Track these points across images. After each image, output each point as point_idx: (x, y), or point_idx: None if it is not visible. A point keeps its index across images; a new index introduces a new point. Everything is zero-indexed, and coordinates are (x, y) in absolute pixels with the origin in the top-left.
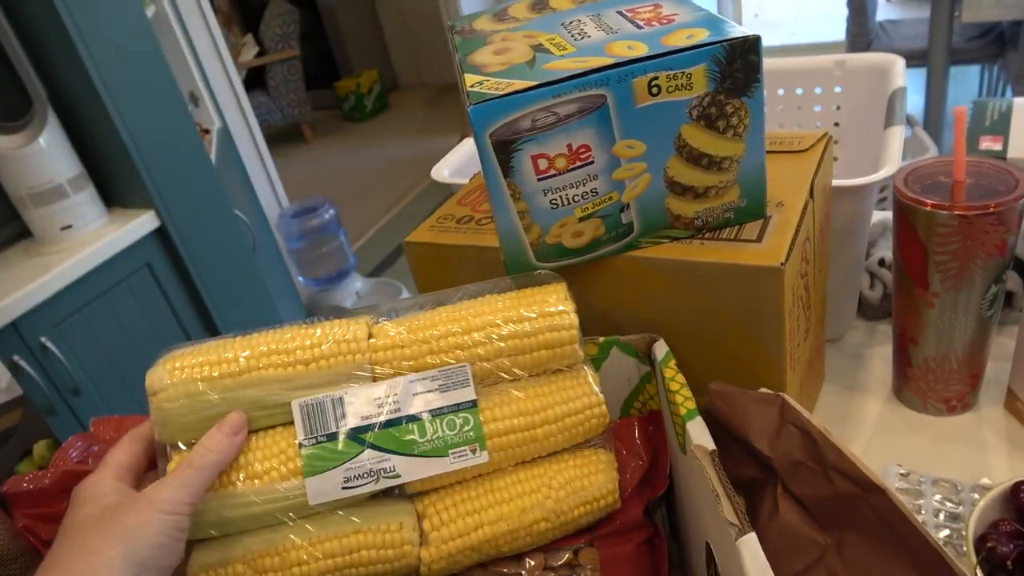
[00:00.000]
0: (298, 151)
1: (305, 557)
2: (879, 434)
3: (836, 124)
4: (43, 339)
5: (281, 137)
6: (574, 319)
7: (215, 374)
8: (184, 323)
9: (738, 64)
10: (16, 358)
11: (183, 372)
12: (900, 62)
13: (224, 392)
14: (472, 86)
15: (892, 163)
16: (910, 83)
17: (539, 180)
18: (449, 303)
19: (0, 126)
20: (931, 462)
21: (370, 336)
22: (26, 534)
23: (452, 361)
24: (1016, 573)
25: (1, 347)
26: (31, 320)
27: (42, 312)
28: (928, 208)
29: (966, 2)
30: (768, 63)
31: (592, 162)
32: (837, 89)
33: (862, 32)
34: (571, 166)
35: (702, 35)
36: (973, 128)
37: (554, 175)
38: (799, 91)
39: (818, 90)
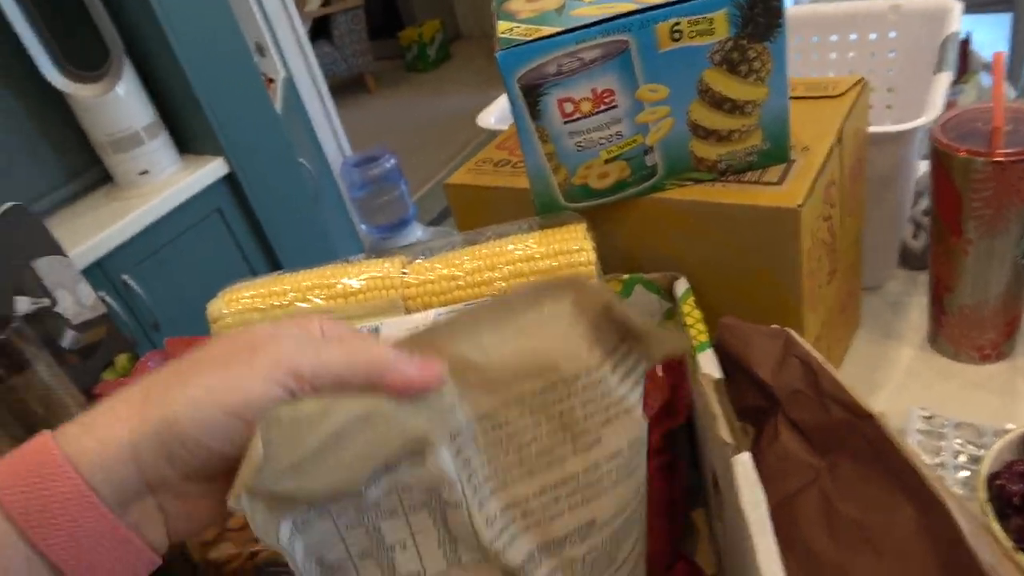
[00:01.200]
0: (361, 101)
1: None
2: (909, 380)
3: (891, 71)
4: (125, 277)
5: (345, 87)
6: (591, 256)
7: (264, 305)
8: (252, 265)
9: (759, 9)
10: (101, 294)
11: (239, 303)
12: (957, 7)
13: (274, 321)
14: (503, 32)
15: (933, 110)
16: (996, 30)
17: (565, 123)
18: (479, 242)
19: (82, 75)
20: (959, 408)
21: (404, 273)
22: None
23: (477, 296)
24: (1023, 510)
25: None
26: (113, 259)
27: (123, 252)
28: (962, 155)
29: None
30: (818, 8)
31: (616, 106)
32: (891, 34)
33: None
34: (596, 110)
35: None
36: None
37: (579, 118)
38: (852, 37)
39: (872, 36)
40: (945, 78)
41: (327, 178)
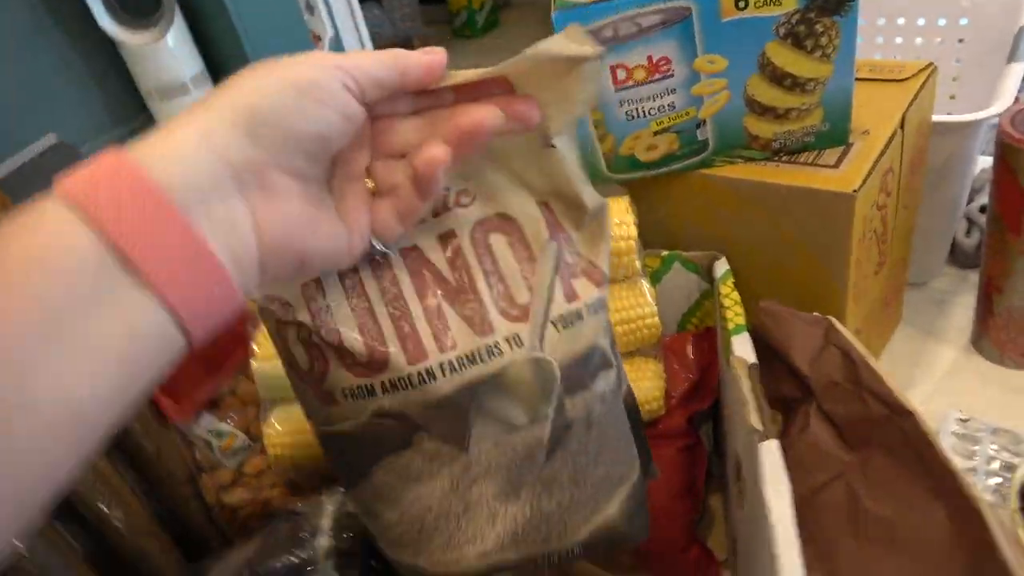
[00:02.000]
0: None
1: None
2: (949, 381)
3: (958, 61)
4: None
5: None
6: (633, 231)
7: None
8: None
9: None
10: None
11: None
12: None
13: None
14: None
15: (1003, 101)
16: None
17: (616, 91)
18: None
19: (133, 23)
20: (998, 413)
21: None
22: None
23: None
24: None
25: None
26: None
27: None
28: None
29: None
30: None
31: (672, 75)
32: (963, 21)
33: None
34: (650, 78)
35: None
36: None
37: (632, 86)
38: (920, 22)
39: (941, 22)
40: (1018, 69)
41: None
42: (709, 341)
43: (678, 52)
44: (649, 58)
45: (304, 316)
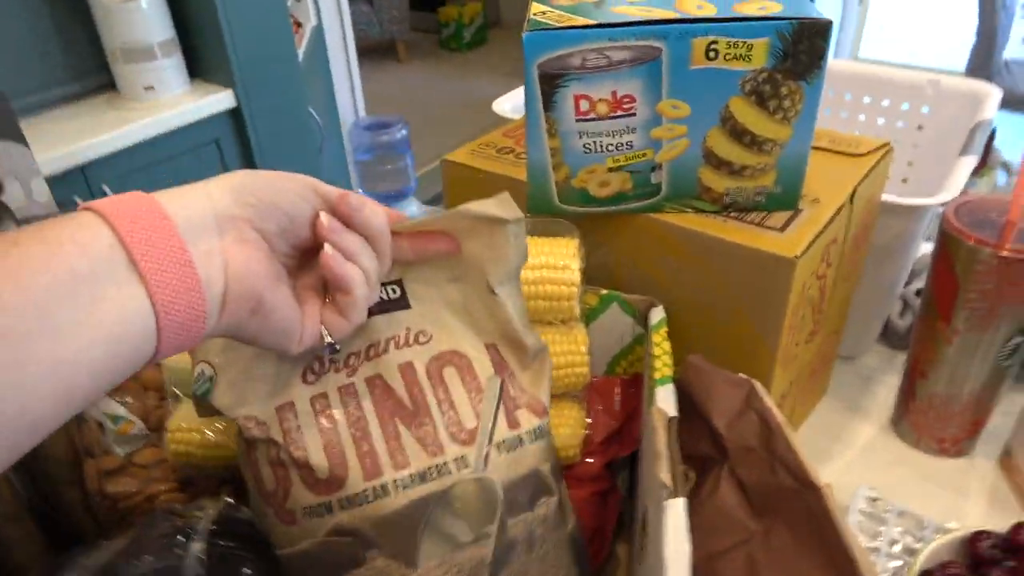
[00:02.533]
0: (388, 68)
1: None
2: (864, 457)
3: (915, 146)
4: (104, 187)
5: (375, 51)
6: (576, 276)
7: None
8: None
9: (803, 45)
10: (76, 198)
11: None
12: (996, 93)
13: None
14: (535, 14)
15: (950, 191)
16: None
17: (577, 121)
18: None
19: None
20: (907, 496)
21: None
22: None
23: None
24: None
25: (66, 185)
26: (98, 167)
27: (111, 162)
28: (971, 242)
29: None
30: (862, 67)
31: (634, 114)
32: (924, 109)
33: (985, 66)
34: (612, 113)
35: (775, 9)
36: None
37: (593, 119)
38: (885, 103)
39: (904, 106)
40: (970, 162)
41: (335, 137)
42: (636, 387)
43: (643, 92)
44: (614, 93)
45: (277, 434)
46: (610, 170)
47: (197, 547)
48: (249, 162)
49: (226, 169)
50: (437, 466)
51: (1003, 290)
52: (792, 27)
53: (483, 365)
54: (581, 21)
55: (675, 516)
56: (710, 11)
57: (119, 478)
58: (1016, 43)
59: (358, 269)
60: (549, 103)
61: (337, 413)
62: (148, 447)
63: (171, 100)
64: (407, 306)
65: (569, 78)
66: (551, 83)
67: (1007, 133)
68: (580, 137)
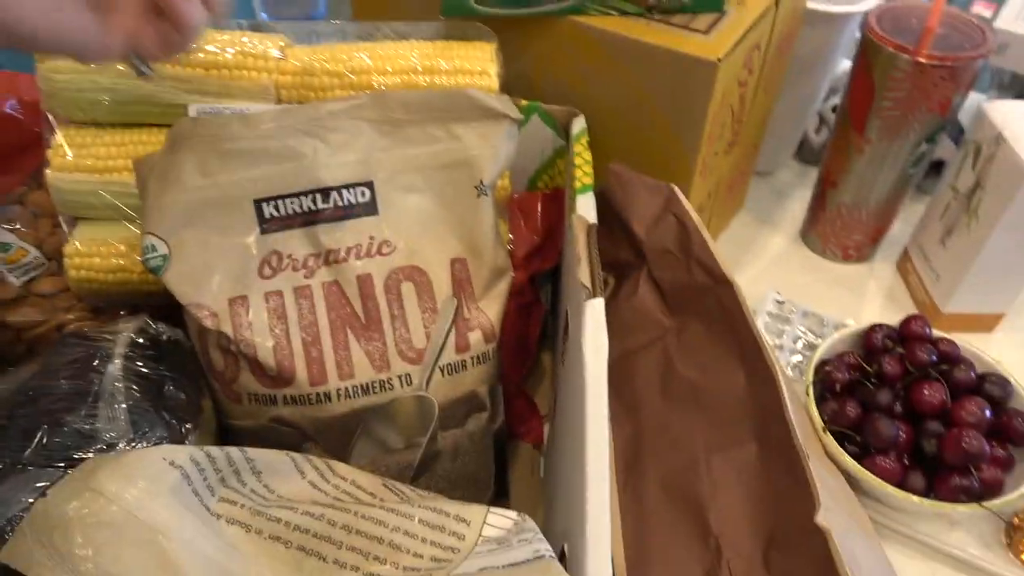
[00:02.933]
0: None
1: None
2: (774, 267)
3: None
4: None
5: None
6: (494, 83)
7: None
8: None
9: None
10: None
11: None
12: None
13: (117, 78)
14: None
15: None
16: None
17: None
18: (374, 38)
19: None
20: (812, 299)
21: (280, 57)
22: None
23: None
24: (842, 396)
25: None
26: None
27: None
28: (890, 48)
29: None
30: None
31: None
32: None
33: None
34: None
35: None
36: None
37: None
38: None
39: None
40: None
41: None
42: (558, 202)
43: None
44: None
45: (228, 328)
46: None
47: (115, 367)
48: None
49: None
50: (382, 381)
51: (914, 97)
52: None
53: (442, 284)
54: None
55: (594, 315)
56: None
57: (19, 308)
58: None
59: None
60: None
61: (291, 313)
62: (47, 276)
63: None
64: (375, 211)
65: None
66: None
67: None
68: None
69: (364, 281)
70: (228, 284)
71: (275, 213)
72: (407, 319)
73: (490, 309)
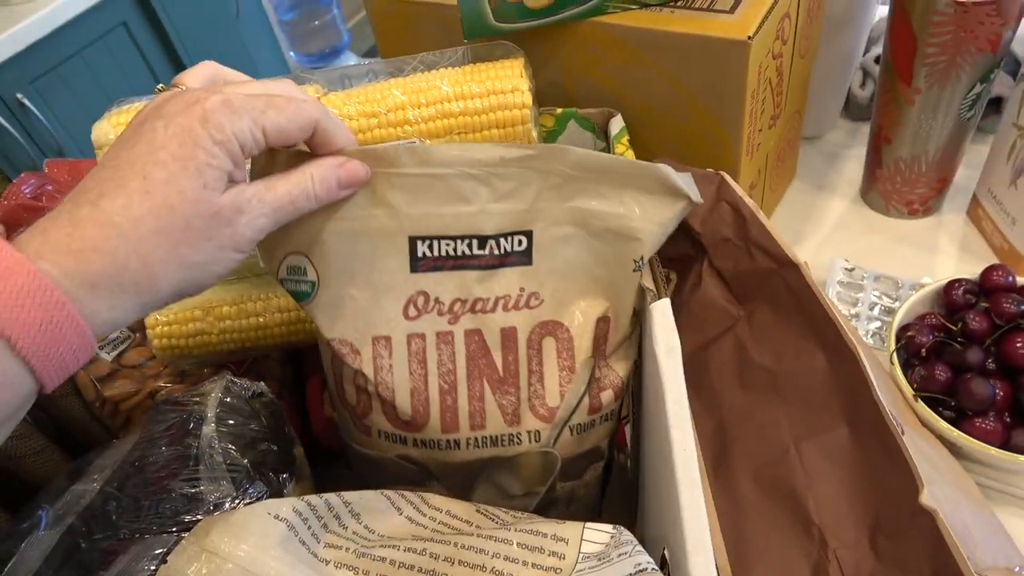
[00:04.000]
0: None
1: (260, 309)
2: (837, 231)
3: None
4: (20, 96)
5: None
6: (527, 98)
7: None
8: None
9: None
10: None
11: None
12: None
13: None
14: None
15: None
16: None
17: None
18: (404, 73)
19: None
20: (882, 261)
21: None
22: None
23: (400, 136)
24: (929, 360)
25: None
26: (4, 76)
27: (15, 68)
28: None
29: None
30: None
31: None
32: None
33: None
34: None
35: None
36: None
37: None
38: None
39: None
40: None
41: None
42: None
43: None
44: None
45: (368, 369)
46: None
47: (209, 429)
48: (164, 41)
49: (143, 55)
50: (511, 435)
51: (960, 39)
52: None
53: (582, 342)
54: None
55: (662, 317)
56: None
57: (114, 382)
58: None
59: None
60: None
61: (431, 358)
62: (134, 348)
63: None
64: (529, 261)
65: None
66: None
67: None
68: None
69: (507, 334)
70: (373, 320)
71: (428, 252)
72: (544, 376)
73: (620, 366)
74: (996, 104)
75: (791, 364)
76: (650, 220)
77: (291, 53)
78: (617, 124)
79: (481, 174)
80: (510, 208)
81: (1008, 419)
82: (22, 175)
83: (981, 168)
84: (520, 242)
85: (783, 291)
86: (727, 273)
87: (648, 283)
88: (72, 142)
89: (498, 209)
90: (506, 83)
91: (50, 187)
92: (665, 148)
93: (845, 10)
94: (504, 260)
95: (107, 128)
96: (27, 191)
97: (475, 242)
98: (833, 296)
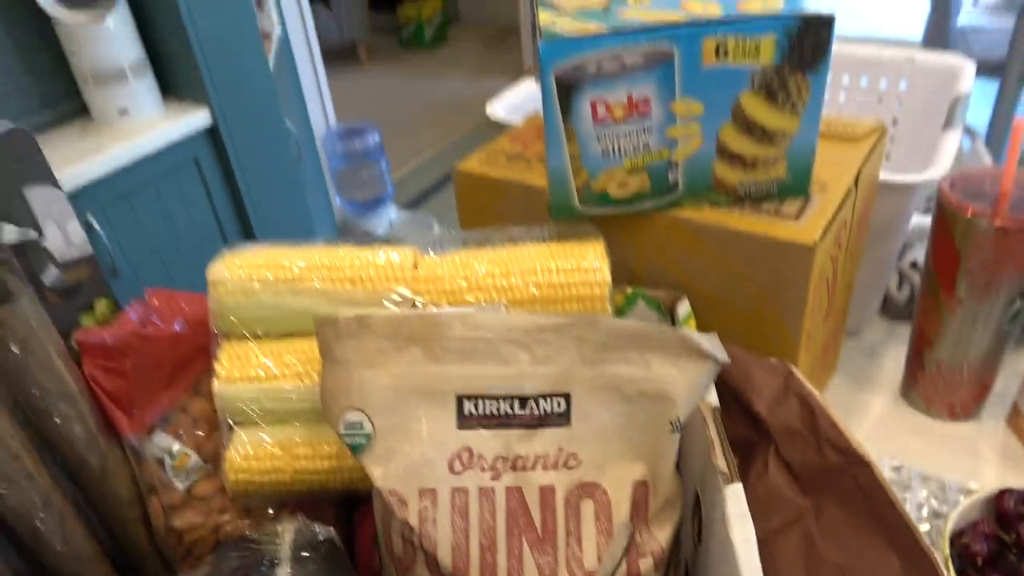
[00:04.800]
0: (351, 72)
1: (335, 452)
2: (879, 429)
3: (894, 121)
4: (89, 216)
5: (336, 55)
6: (607, 277)
7: (270, 277)
8: (223, 223)
9: (808, 40)
10: None
11: (241, 270)
12: (970, 67)
13: (276, 296)
14: (544, 23)
15: (941, 166)
16: (981, 95)
17: (595, 126)
18: (491, 244)
19: (72, 1)
20: (925, 462)
21: (415, 266)
22: (92, 382)
23: (488, 300)
24: (984, 571)
25: None
26: (80, 197)
27: (91, 191)
28: (968, 215)
29: None
30: (838, 47)
31: (649, 115)
32: (902, 85)
33: (942, 34)
34: (628, 116)
35: (777, 6)
36: None
37: (610, 123)
38: (864, 81)
39: (883, 84)
40: (954, 136)
41: (309, 144)
42: None
43: (657, 93)
44: (629, 96)
45: (414, 520)
46: (628, 171)
47: (284, 571)
48: (230, 178)
49: (208, 191)
50: None
51: (1001, 259)
52: (797, 23)
53: (620, 506)
54: (594, 28)
55: (736, 502)
56: (716, 11)
57: (183, 512)
58: (968, 10)
59: None
60: (567, 110)
61: (472, 513)
62: (205, 478)
63: (146, 122)
64: (567, 423)
65: (586, 84)
66: (568, 90)
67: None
68: (599, 141)
69: (546, 492)
70: (421, 473)
71: (474, 411)
72: (582, 537)
73: (661, 533)
74: None
75: (864, 563)
76: (680, 382)
77: (336, 198)
78: (684, 308)
79: (522, 339)
80: (548, 372)
81: None
82: (132, 303)
83: (1022, 376)
84: (559, 404)
85: (853, 488)
86: (795, 464)
87: (721, 465)
88: (127, 264)
89: (538, 372)
90: (589, 262)
91: (154, 316)
92: (727, 333)
93: (888, 220)
94: (544, 421)
95: (223, 268)
96: (134, 318)
97: (516, 402)
98: None
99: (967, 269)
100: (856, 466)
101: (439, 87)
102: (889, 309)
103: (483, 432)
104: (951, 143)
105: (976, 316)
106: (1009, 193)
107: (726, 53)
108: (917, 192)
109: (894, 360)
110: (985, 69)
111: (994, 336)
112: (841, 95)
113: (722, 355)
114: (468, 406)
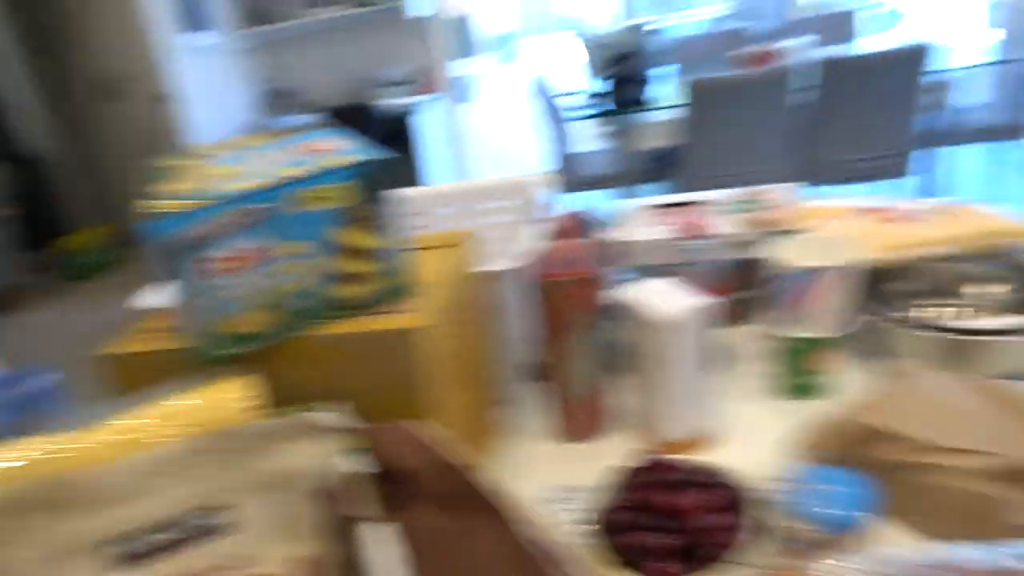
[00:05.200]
0: (9, 318)
1: None
2: (545, 466)
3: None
4: None
5: None
6: (251, 401)
7: None
8: None
9: (377, 178)
10: None
11: None
12: (539, 183)
13: None
14: (153, 206)
15: (518, 255)
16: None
17: (216, 279)
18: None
19: None
20: (576, 479)
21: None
22: None
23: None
24: (628, 534)
25: None
26: None
27: None
28: (542, 278)
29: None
30: (467, 185)
31: (260, 262)
32: (504, 203)
33: (566, 162)
34: (244, 267)
35: (351, 159)
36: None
37: (229, 275)
38: (488, 204)
39: (494, 204)
40: (527, 230)
41: None
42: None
43: (266, 242)
44: (241, 250)
45: None
46: (253, 311)
47: None
48: None
49: None
50: None
51: (566, 305)
52: (362, 167)
53: None
54: (191, 204)
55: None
56: (295, 171)
57: None
58: (577, 141)
59: None
60: (184, 273)
61: None
62: None
63: None
64: (231, 530)
65: (194, 247)
66: (180, 257)
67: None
68: (221, 291)
69: None
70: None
71: (126, 552)
72: None
73: None
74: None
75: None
76: (313, 455)
77: None
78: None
79: (165, 469)
80: (196, 490)
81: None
82: None
83: (623, 396)
84: (215, 516)
85: (475, 494)
86: (443, 495)
87: (360, 511)
88: None
89: (181, 494)
90: (229, 394)
91: None
92: (383, 413)
93: (494, 300)
94: (206, 533)
95: None
96: None
97: (166, 530)
98: (548, 514)
99: (554, 317)
100: (455, 472)
101: (114, 310)
102: (529, 374)
103: (148, 566)
104: (525, 236)
105: (575, 353)
106: (557, 256)
107: (314, 200)
108: (504, 277)
109: (540, 412)
110: (604, 182)
111: (593, 368)
112: (466, 221)
113: (345, 423)
114: (114, 550)
